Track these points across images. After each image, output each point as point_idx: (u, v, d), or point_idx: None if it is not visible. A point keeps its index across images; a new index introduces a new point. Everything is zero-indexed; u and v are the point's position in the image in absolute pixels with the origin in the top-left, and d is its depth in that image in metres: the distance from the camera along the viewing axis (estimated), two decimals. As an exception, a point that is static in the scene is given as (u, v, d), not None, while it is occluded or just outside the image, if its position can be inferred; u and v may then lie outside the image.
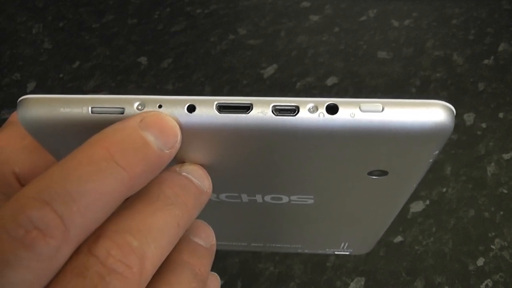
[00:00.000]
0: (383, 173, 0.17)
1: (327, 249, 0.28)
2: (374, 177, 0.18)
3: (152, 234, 0.14)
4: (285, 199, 0.20)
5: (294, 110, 0.15)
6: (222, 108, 0.15)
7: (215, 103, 0.15)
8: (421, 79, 0.55)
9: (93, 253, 0.13)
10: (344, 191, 0.20)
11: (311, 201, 0.20)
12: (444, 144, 0.16)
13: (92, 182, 0.13)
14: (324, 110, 0.15)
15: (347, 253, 0.28)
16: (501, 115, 0.51)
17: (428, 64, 0.57)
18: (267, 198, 0.20)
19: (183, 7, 0.67)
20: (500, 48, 0.58)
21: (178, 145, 0.15)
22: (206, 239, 0.18)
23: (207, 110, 0.15)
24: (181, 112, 0.15)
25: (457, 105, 0.52)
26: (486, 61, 0.57)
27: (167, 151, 0.15)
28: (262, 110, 0.15)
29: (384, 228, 0.25)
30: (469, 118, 0.51)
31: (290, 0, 0.66)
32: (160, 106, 0.15)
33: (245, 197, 0.20)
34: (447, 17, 0.62)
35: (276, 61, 0.59)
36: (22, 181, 0.20)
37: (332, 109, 0.15)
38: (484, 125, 0.50)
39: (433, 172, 0.47)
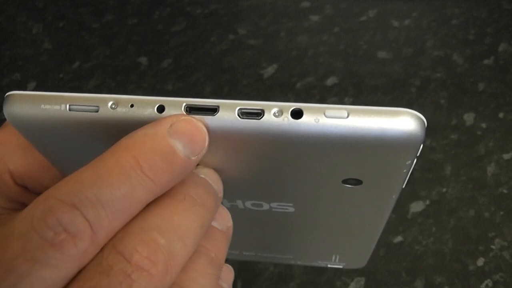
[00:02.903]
0: (358, 182, 0.18)
1: (319, 261, 0.28)
2: (349, 186, 0.18)
3: (178, 233, 0.14)
4: (265, 206, 0.20)
5: (259, 114, 0.15)
6: (190, 110, 0.15)
7: (184, 104, 0.15)
8: (421, 79, 0.55)
9: (119, 251, 0.13)
10: (322, 200, 0.20)
11: (291, 209, 0.20)
12: (416, 153, 0.15)
13: (121, 189, 0.13)
14: (288, 115, 0.15)
15: (340, 266, 0.28)
16: (501, 115, 0.51)
17: (428, 64, 0.57)
18: (248, 204, 0.20)
19: (183, 7, 0.67)
20: (500, 48, 0.58)
21: (205, 151, 0.15)
22: (222, 221, 0.18)
23: (175, 111, 0.15)
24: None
25: (457, 105, 0.52)
26: (486, 61, 0.57)
27: (193, 158, 0.15)
28: (228, 113, 0.15)
29: (372, 241, 0.24)
30: (469, 118, 0.51)
31: (290, 0, 0.66)
32: (132, 106, 0.15)
33: (226, 203, 0.20)
34: (447, 17, 0.62)
35: (276, 61, 0.59)
36: (16, 179, 0.20)
37: (296, 114, 0.15)
38: (484, 125, 0.50)
39: (433, 172, 0.47)
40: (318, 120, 0.15)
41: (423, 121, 0.15)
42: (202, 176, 0.17)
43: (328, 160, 0.16)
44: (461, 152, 0.49)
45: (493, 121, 0.51)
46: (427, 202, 0.45)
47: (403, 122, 0.14)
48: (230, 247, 0.26)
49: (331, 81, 0.56)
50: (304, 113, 0.15)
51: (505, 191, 0.46)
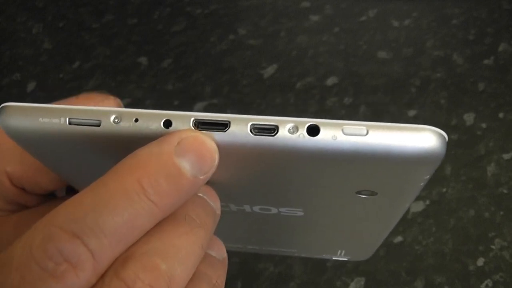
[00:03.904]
0: (372, 193, 0.17)
1: (323, 255, 0.27)
2: (363, 196, 0.17)
3: (179, 257, 0.14)
4: (274, 210, 0.20)
5: (273, 130, 0.14)
6: (199, 124, 0.14)
7: (192, 119, 0.14)
8: (421, 79, 0.55)
9: (121, 278, 0.13)
10: (333, 207, 0.19)
11: (300, 214, 0.20)
12: (435, 169, 0.15)
13: (124, 216, 0.13)
14: (304, 131, 0.14)
15: (345, 259, 0.27)
16: (501, 115, 0.51)
17: (428, 64, 0.57)
18: (256, 209, 0.20)
19: (183, 7, 0.67)
20: (500, 48, 0.58)
21: (214, 169, 0.15)
22: (219, 251, 0.18)
23: (183, 126, 0.14)
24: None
25: (457, 105, 0.52)
26: (486, 61, 0.57)
27: (201, 177, 0.14)
28: (240, 129, 0.14)
29: (381, 239, 0.24)
30: (469, 118, 0.51)
31: (290, 0, 0.66)
32: (136, 120, 0.14)
33: (233, 207, 0.20)
34: (447, 17, 0.62)
35: (276, 61, 0.59)
36: (13, 181, 0.20)
37: (313, 130, 0.14)
38: (484, 125, 0.50)
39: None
40: (336, 137, 0.14)
41: (444, 137, 0.14)
42: (200, 194, 0.16)
43: (344, 174, 0.16)
44: (461, 152, 0.49)
45: (493, 121, 0.51)
46: (427, 202, 0.45)
47: (425, 139, 0.14)
48: (234, 242, 0.26)
49: (331, 81, 0.56)
50: (321, 129, 0.14)
51: (505, 191, 0.46)
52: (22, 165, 0.20)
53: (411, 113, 0.52)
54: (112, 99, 0.21)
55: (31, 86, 0.60)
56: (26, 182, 0.20)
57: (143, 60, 0.61)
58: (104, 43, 0.64)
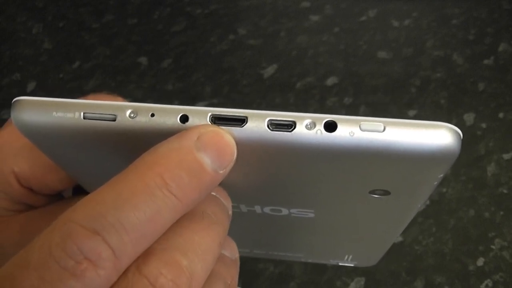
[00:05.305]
0: (386, 192, 0.17)
1: (330, 260, 0.27)
2: (376, 196, 0.17)
3: (199, 253, 0.14)
4: (284, 211, 0.20)
5: (291, 126, 0.14)
6: (216, 120, 0.14)
7: (209, 114, 0.14)
8: (421, 79, 0.55)
9: (143, 273, 0.13)
10: (345, 208, 0.19)
11: (311, 215, 0.20)
12: (449, 167, 0.15)
13: (146, 212, 0.13)
14: (321, 127, 0.14)
15: (351, 265, 0.27)
16: (501, 115, 0.51)
17: (428, 64, 0.57)
18: (266, 210, 0.20)
19: (183, 7, 0.67)
20: (500, 48, 0.58)
21: (232, 165, 0.15)
22: (232, 251, 0.18)
23: (200, 121, 0.14)
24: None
25: (457, 105, 0.52)
26: (486, 61, 0.57)
27: (221, 172, 0.14)
28: (257, 124, 0.14)
29: (389, 244, 0.24)
30: (469, 118, 0.51)
31: (290, 0, 0.66)
32: (152, 115, 0.14)
33: (243, 208, 0.20)
34: (447, 17, 0.62)
35: (276, 61, 0.59)
36: (21, 181, 0.20)
37: (330, 127, 0.14)
38: (484, 125, 0.50)
39: (433, 172, 0.47)
40: (353, 133, 0.14)
41: (459, 134, 0.14)
42: (214, 193, 0.16)
43: (359, 171, 0.15)
44: (461, 152, 0.49)
45: (493, 121, 0.51)
46: (427, 202, 0.45)
47: (441, 136, 0.14)
48: (241, 246, 0.26)
49: (331, 81, 0.56)
50: (338, 125, 0.14)
51: (505, 191, 0.46)
52: (30, 165, 0.20)
53: (411, 113, 0.52)
54: (120, 100, 0.21)
55: (31, 86, 0.60)
56: (34, 182, 0.20)
57: (143, 60, 0.61)
58: (104, 43, 0.64)
